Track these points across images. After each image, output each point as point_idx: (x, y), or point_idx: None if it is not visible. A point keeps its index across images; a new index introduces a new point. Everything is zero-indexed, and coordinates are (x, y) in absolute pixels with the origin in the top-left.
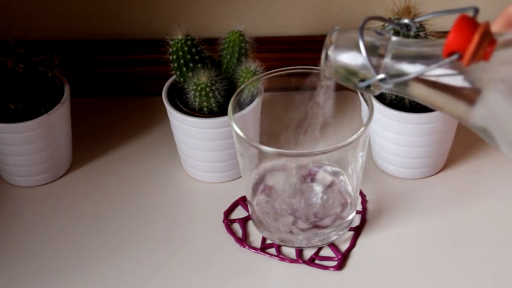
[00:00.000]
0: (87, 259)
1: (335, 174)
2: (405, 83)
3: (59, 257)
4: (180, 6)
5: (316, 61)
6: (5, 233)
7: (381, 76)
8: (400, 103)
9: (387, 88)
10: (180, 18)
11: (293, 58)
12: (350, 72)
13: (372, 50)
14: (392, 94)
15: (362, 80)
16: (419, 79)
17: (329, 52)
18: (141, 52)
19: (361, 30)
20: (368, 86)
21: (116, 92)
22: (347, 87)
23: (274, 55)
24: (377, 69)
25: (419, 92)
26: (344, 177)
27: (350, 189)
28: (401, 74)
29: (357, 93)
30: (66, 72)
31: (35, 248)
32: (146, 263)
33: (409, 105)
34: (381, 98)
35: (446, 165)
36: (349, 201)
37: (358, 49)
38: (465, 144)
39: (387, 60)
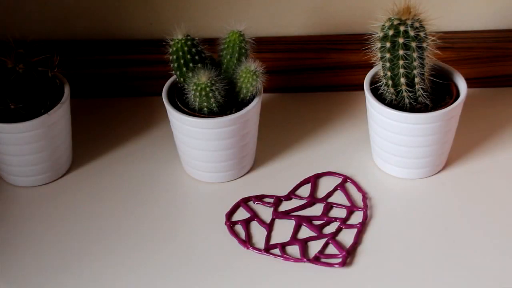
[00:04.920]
0: (87, 258)
1: None
2: None
3: (59, 256)
4: (180, 6)
5: (316, 61)
6: (5, 233)
7: None
8: (400, 103)
9: None
10: (180, 18)
11: (293, 58)
12: None
13: None
14: (392, 94)
15: None
16: None
17: None
18: (141, 52)
19: None
20: None
21: (116, 92)
22: None
23: (274, 55)
24: None
25: None
26: None
27: None
28: None
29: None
30: (66, 72)
31: (35, 247)
32: (146, 263)
33: (409, 105)
34: (381, 99)
35: (446, 165)
36: None
37: None
38: (465, 144)
39: None
